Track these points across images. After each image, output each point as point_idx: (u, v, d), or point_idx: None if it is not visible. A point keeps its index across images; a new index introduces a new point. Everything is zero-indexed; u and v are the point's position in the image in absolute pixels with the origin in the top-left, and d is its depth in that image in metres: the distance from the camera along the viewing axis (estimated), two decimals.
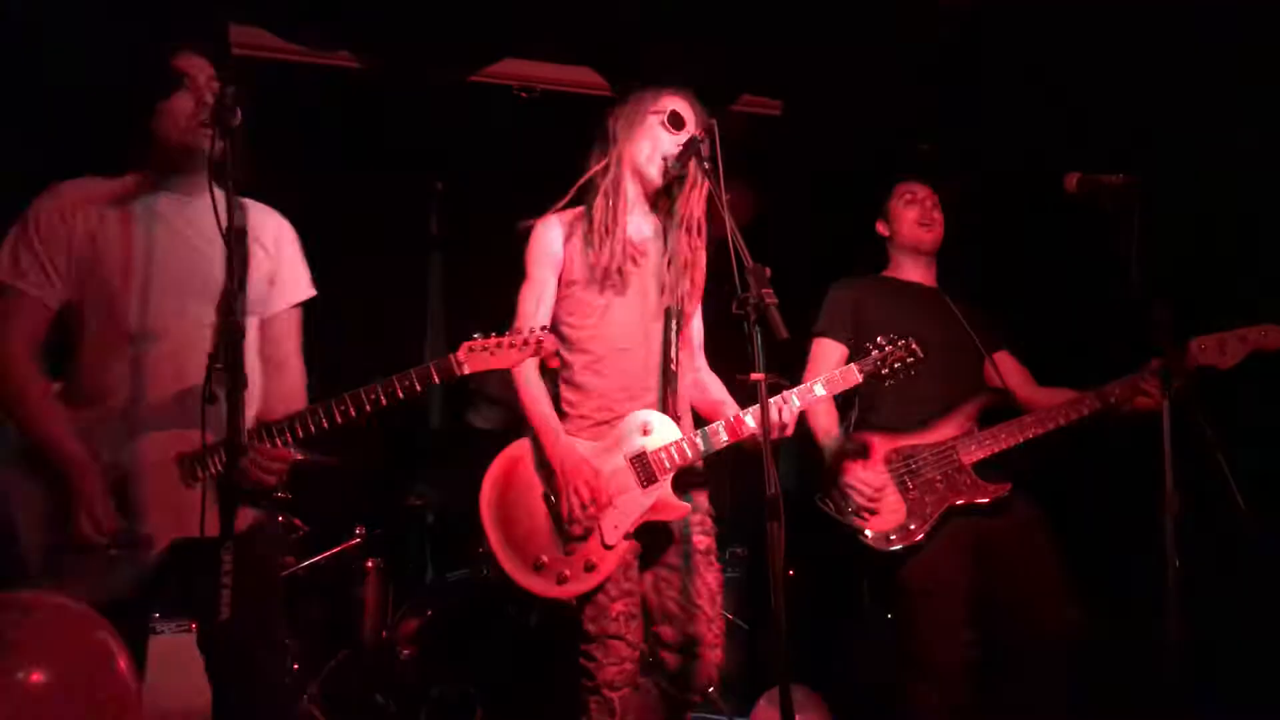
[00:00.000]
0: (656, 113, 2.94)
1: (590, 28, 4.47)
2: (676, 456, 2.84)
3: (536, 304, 2.91)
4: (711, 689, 2.91)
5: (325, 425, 2.48)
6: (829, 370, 3.50)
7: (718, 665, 2.87)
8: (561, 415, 2.91)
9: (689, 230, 2.97)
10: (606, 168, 2.96)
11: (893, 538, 3.30)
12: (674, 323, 2.94)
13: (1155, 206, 2.83)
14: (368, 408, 2.48)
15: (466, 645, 4.18)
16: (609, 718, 2.79)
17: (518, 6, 4.39)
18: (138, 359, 2.44)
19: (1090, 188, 3.17)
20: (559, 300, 2.95)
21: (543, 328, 2.67)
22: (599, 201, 2.93)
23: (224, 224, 2.25)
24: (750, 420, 2.85)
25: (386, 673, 4.20)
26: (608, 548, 2.79)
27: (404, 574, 4.61)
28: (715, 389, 3.08)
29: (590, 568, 2.79)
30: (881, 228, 3.71)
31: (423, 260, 5.69)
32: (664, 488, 2.84)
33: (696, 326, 3.10)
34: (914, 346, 2.97)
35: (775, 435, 2.80)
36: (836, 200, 5.18)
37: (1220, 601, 3.47)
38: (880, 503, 3.32)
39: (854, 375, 2.94)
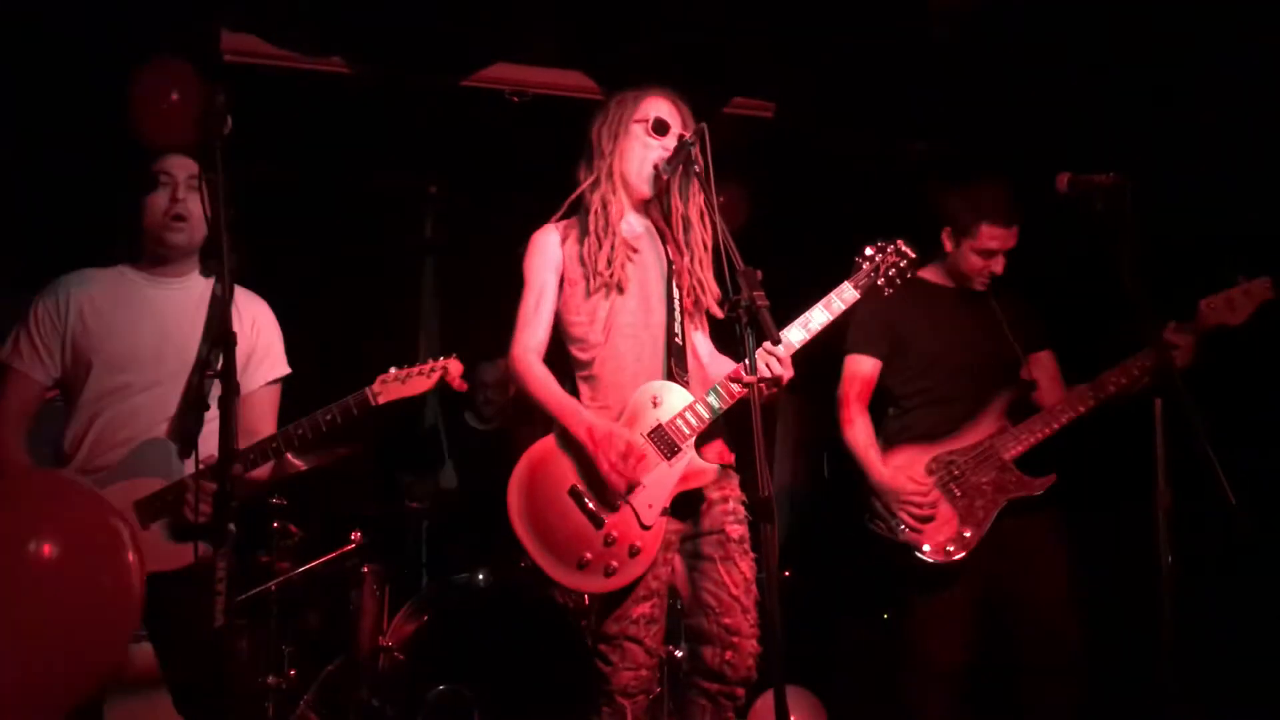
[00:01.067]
0: (640, 121, 2.93)
1: (582, 32, 4.47)
2: (694, 420, 2.79)
3: (536, 305, 2.91)
4: (749, 680, 2.80)
5: (258, 460, 2.74)
6: (863, 389, 3.49)
7: (755, 655, 2.79)
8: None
9: (690, 235, 2.97)
10: (596, 181, 2.95)
11: (951, 549, 3.27)
12: (676, 303, 2.93)
13: (1147, 206, 2.84)
14: (295, 443, 2.75)
15: (463, 649, 4.18)
16: None
17: (509, 11, 4.39)
18: (109, 421, 2.73)
19: (1082, 188, 3.18)
20: (563, 301, 2.94)
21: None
22: (591, 217, 2.92)
23: (217, 218, 2.27)
24: (759, 363, 2.68)
25: (383, 677, 4.20)
26: (646, 528, 2.75)
27: (400, 578, 4.61)
28: (717, 368, 2.99)
29: (635, 552, 2.74)
30: (946, 240, 3.54)
31: (416, 263, 5.71)
32: (689, 455, 2.79)
33: (700, 337, 3.06)
34: (903, 247, 2.92)
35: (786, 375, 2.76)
36: (829, 202, 5.20)
37: (1213, 596, 3.48)
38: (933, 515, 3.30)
39: (850, 292, 2.88)
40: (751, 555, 2.87)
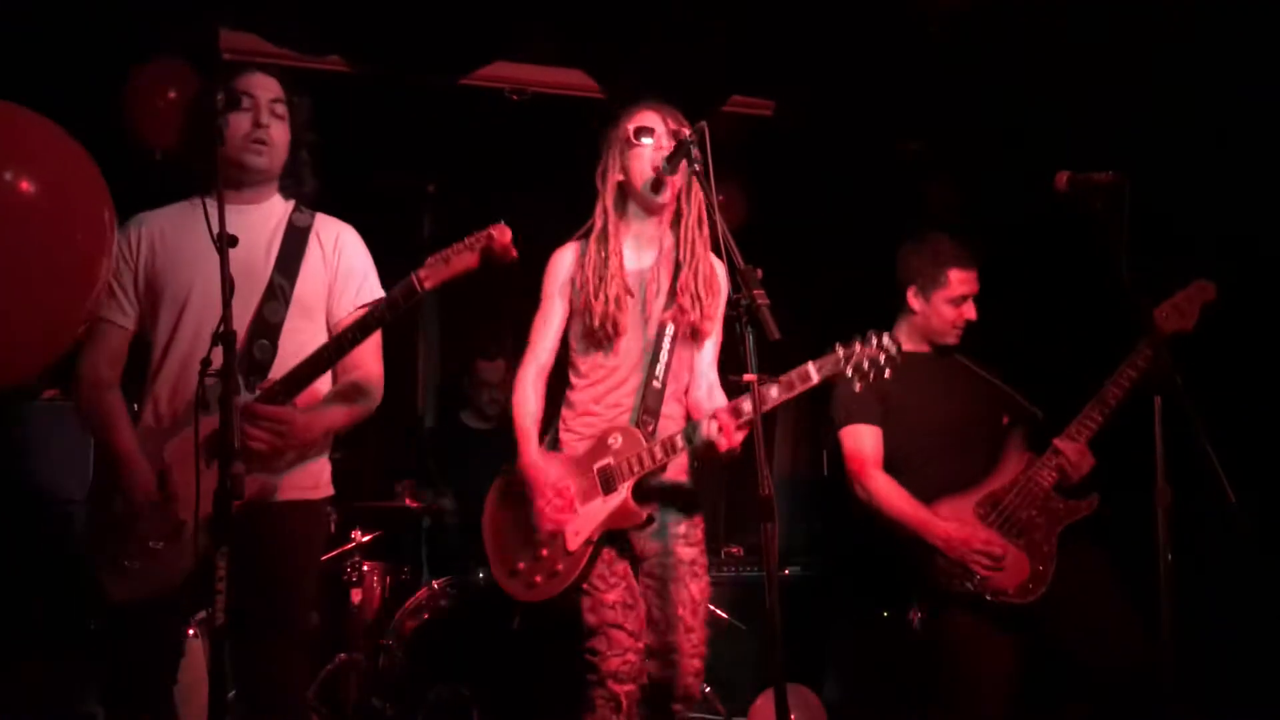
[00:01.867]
0: (625, 139, 2.97)
1: (582, 30, 4.47)
2: (636, 466, 2.88)
3: (544, 324, 3.01)
4: (689, 697, 2.91)
5: (314, 374, 2.59)
6: (874, 455, 3.39)
7: (695, 674, 2.90)
8: (559, 434, 3.02)
9: (692, 238, 2.98)
10: (593, 222, 3.00)
11: (1031, 586, 3.21)
12: (663, 343, 2.96)
13: (1146, 204, 2.84)
14: (347, 346, 2.59)
15: (463, 648, 4.18)
16: (614, 714, 2.80)
17: (509, 9, 4.39)
18: (186, 359, 2.59)
19: (1081, 186, 3.18)
20: (570, 322, 3.02)
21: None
22: (590, 253, 2.97)
23: (214, 230, 2.26)
24: (707, 426, 2.77)
25: (383, 676, 4.20)
26: (569, 554, 2.88)
27: (400, 577, 4.61)
28: (707, 408, 2.97)
29: (553, 575, 2.89)
30: (913, 300, 3.48)
31: (415, 263, 5.69)
32: (622, 496, 2.89)
33: (709, 349, 3.05)
34: (886, 341, 2.78)
35: (724, 449, 2.75)
36: (829, 200, 5.19)
37: (1211, 593, 3.48)
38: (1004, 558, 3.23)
39: (811, 376, 2.77)
40: (704, 579, 2.97)
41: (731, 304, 2.50)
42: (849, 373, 2.78)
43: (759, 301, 2.45)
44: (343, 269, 2.77)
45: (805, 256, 5.16)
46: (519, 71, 4.72)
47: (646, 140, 2.93)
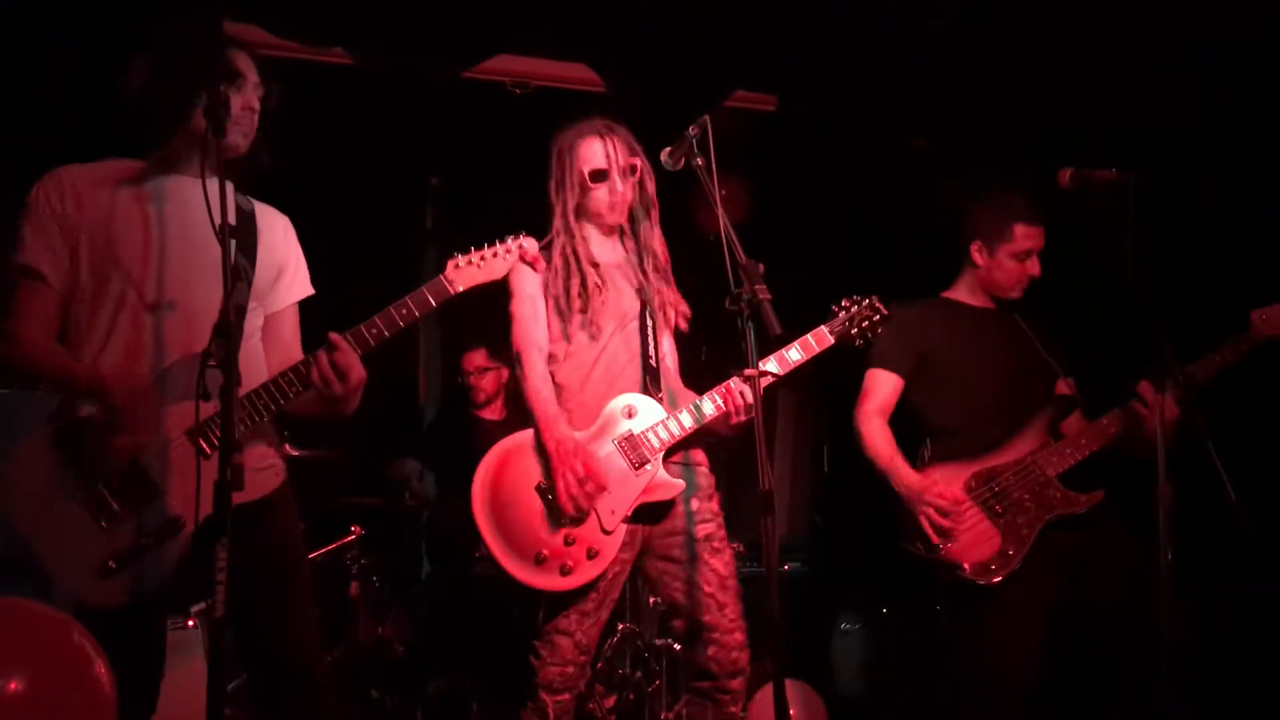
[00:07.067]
0: (579, 175, 2.98)
1: (585, 24, 4.46)
2: (665, 434, 2.86)
3: (532, 305, 2.96)
4: (739, 671, 2.86)
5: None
6: (882, 402, 3.42)
7: (739, 647, 2.85)
8: None
9: (653, 261, 3.04)
10: (558, 233, 3.00)
11: (993, 567, 3.16)
12: (649, 321, 2.98)
13: (1151, 201, 2.83)
14: (372, 344, 2.52)
15: (461, 641, 4.18)
16: None
17: (512, 2, 4.38)
18: (150, 332, 2.46)
19: (1084, 183, 3.17)
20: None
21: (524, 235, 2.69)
22: (558, 257, 2.95)
23: (217, 221, 2.24)
24: (735, 391, 2.86)
25: (382, 669, 4.20)
26: (607, 533, 2.81)
27: (399, 570, 4.62)
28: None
29: (593, 555, 2.80)
30: (977, 255, 3.47)
31: (418, 256, 5.69)
32: (656, 467, 2.85)
33: (668, 348, 3.11)
34: (877, 304, 3.02)
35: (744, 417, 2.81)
36: (831, 196, 5.19)
37: (1212, 592, 3.47)
38: (969, 530, 3.19)
39: (826, 337, 2.97)
40: (727, 551, 2.95)
41: (733, 299, 2.50)
42: (853, 332, 2.98)
43: (760, 296, 2.46)
44: (292, 258, 2.72)
45: (808, 253, 5.16)
46: (522, 65, 4.71)
47: (599, 182, 2.96)
